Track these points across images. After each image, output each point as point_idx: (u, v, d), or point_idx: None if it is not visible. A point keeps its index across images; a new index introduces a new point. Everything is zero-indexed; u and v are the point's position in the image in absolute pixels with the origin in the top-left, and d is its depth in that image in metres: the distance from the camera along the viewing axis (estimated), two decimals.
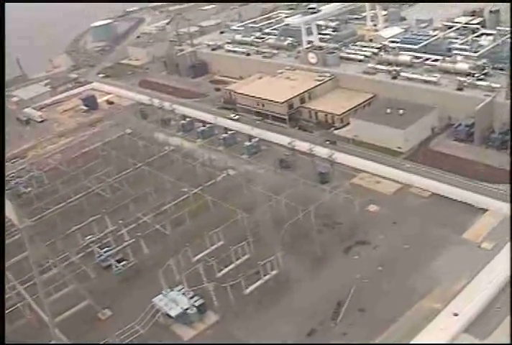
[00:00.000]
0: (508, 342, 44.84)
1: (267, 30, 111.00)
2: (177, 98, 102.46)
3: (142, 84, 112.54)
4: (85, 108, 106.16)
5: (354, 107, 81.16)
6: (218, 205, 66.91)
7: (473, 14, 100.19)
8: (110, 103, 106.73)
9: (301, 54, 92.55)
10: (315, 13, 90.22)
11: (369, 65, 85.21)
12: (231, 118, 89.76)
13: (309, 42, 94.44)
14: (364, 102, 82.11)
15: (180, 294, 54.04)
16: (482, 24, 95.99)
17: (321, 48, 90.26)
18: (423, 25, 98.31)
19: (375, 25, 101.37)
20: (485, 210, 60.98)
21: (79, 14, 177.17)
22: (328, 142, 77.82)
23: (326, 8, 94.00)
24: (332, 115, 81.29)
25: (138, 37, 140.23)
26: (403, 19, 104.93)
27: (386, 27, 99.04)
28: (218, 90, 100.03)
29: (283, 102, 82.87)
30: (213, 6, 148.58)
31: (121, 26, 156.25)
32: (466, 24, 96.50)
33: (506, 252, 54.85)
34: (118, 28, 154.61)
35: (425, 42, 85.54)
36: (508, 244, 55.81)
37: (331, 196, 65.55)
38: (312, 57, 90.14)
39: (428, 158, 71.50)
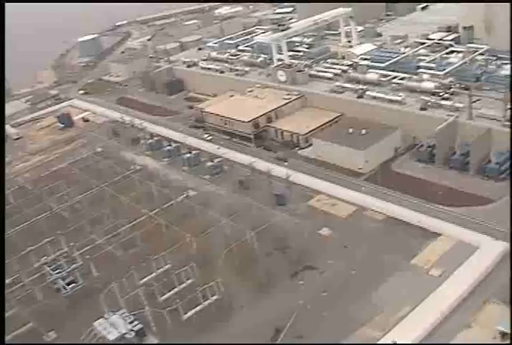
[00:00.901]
0: None
1: (241, 47, 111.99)
2: (151, 116, 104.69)
3: (120, 101, 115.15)
4: (61, 125, 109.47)
5: (319, 126, 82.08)
6: (171, 228, 68.21)
7: (449, 30, 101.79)
8: (86, 120, 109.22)
9: (271, 72, 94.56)
10: (284, 30, 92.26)
11: (337, 83, 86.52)
12: (203, 139, 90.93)
13: (280, 60, 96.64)
14: (329, 121, 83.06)
15: (121, 318, 55.66)
16: (457, 41, 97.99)
17: (290, 66, 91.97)
18: (397, 41, 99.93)
19: (349, 41, 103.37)
20: (438, 235, 61.52)
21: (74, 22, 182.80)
22: (280, 160, 79.57)
23: (296, 25, 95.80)
24: (297, 134, 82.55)
25: (122, 52, 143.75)
26: (379, 35, 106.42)
27: (360, 44, 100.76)
28: (191, 107, 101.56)
29: (248, 121, 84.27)
30: (196, 21, 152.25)
31: (109, 41, 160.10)
32: (440, 40, 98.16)
33: (454, 279, 55.17)
34: (105, 43, 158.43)
35: (392, 60, 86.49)
36: (457, 270, 55.92)
37: (285, 219, 66.54)
38: (281, 75, 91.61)
39: (388, 179, 72.04)
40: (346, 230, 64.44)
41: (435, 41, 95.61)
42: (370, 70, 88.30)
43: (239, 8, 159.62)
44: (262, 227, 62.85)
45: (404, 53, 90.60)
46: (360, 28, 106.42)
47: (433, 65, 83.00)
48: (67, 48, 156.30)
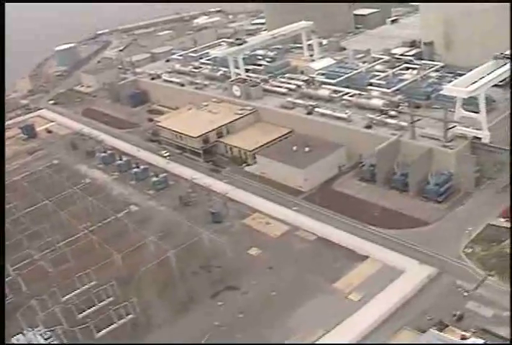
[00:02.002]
0: None
1: (204, 60, 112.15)
2: (112, 128, 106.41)
3: (85, 112, 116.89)
4: (24, 136, 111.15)
5: (267, 143, 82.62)
6: (103, 245, 68.72)
7: (412, 44, 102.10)
8: (49, 131, 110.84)
9: (227, 87, 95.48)
10: (241, 44, 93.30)
11: (288, 99, 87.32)
12: (157, 153, 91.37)
13: (237, 74, 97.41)
14: (278, 138, 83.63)
15: (38, 335, 56.67)
16: (418, 56, 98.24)
17: (245, 80, 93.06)
18: (358, 56, 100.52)
19: (311, 55, 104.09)
20: (365, 258, 61.85)
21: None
22: (213, 171, 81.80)
23: (253, 39, 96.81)
24: (245, 151, 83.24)
25: (98, 61, 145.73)
26: (343, 49, 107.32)
27: (322, 58, 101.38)
28: (150, 120, 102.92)
29: (197, 136, 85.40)
30: (169, 31, 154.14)
31: (89, 50, 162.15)
32: (401, 55, 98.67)
33: (372, 305, 55.40)
34: (84, 51, 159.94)
35: (344, 76, 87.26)
36: (377, 295, 55.75)
37: (217, 237, 66.64)
38: (236, 90, 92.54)
39: (326, 199, 72.72)
40: (275, 250, 64.94)
41: (395, 56, 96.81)
42: (325, 86, 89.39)
43: (216, 18, 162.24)
44: (186, 245, 62.97)
45: (359, 69, 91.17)
46: (325, 41, 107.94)
47: (382, 82, 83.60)
48: (46, 57, 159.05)
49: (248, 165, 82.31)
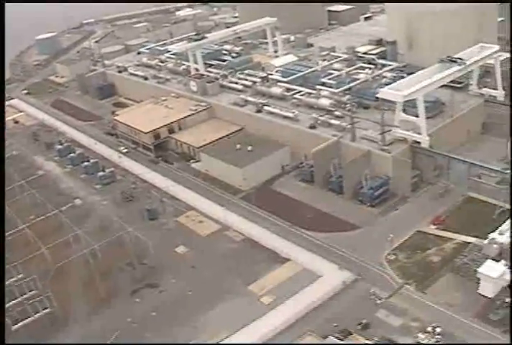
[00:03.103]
0: None
1: (169, 53, 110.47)
2: (76, 120, 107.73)
3: (54, 103, 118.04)
4: None
5: (216, 140, 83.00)
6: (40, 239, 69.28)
7: (378, 43, 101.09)
8: (16, 122, 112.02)
9: (186, 82, 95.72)
10: (199, 40, 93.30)
11: (241, 96, 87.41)
12: (120, 151, 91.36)
13: (196, 69, 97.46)
14: (227, 135, 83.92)
15: None
16: (382, 55, 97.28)
17: (202, 76, 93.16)
18: (323, 53, 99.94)
19: (275, 52, 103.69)
20: (286, 260, 62.19)
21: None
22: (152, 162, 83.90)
23: (213, 35, 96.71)
24: (193, 147, 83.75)
25: (78, 52, 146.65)
26: (310, 45, 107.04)
27: (286, 54, 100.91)
28: (114, 113, 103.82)
29: (148, 132, 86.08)
30: (145, 24, 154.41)
31: (71, 39, 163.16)
32: (364, 53, 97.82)
33: (281, 309, 55.48)
34: (67, 41, 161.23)
35: (299, 74, 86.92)
36: (290, 299, 55.77)
37: (148, 234, 66.91)
38: (193, 86, 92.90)
39: (263, 199, 72.97)
40: (201, 249, 65.67)
41: (357, 54, 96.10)
42: (279, 84, 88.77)
43: (198, 10, 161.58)
44: (113, 241, 63.70)
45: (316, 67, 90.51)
46: (292, 38, 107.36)
47: (332, 82, 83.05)
48: (29, 45, 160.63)
49: (195, 162, 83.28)
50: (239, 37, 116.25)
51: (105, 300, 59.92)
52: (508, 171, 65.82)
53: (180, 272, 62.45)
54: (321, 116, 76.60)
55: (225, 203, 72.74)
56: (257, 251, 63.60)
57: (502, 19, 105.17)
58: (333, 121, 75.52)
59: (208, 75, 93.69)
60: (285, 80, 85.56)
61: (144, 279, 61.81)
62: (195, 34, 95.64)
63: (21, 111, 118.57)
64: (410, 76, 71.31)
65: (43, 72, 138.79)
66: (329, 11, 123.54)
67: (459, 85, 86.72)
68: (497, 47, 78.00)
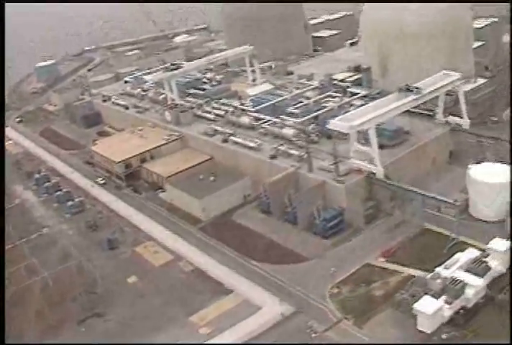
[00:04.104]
0: None
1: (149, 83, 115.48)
2: (60, 149, 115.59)
3: (43, 132, 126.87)
4: None
5: (184, 170, 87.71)
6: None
7: (356, 69, 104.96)
8: None
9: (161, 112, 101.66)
10: (174, 69, 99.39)
11: (211, 125, 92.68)
12: (97, 182, 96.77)
13: (172, 99, 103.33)
14: (196, 165, 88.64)
15: None
16: (358, 82, 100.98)
17: (176, 106, 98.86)
18: (301, 81, 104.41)
19: (253, 80, 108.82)
20: (230, 292, 66.02)
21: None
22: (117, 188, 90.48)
23: (189, 64, 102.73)
24: (162, 177, 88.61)
25: (74, 79, 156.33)
26: (290, 73, 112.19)
27: (264, 83, 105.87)
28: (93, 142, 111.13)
29: (118, 162, 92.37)
30: (137, 51, 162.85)
31: (71, 66, 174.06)
32: (341, 81, 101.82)
33: (218, 340, 58.74)
34: (67, 68, 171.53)
35: (267, 103, 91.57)
36: (227, 330, 59.35)
37: (104, 264, 73.14)
38: (167, 115, 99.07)
39: (220, 230, 77.42)
40: (152, 279, 70.04)
41: (334, 82, 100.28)
42: (251, 113, 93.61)
43: (194, 37, 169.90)
44: (65, 270, 69.55)
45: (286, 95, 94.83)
46: (273, 65, 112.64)
47: (296, 111, 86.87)
48: (29, 73, 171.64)
49: (162, 192, 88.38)
50: (226, 64, 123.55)
51: (53, 329, 65.10)
52: (458, 203, 68.85)
53: (127, 301, 66.86)
54: (280, 145, 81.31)
55: (184, 234, 78.10)
56: (204, 282, 67.72)
57: (482, 43, 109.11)
58: (293, 151, 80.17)
59: (181, 105, 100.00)
60: (252, 109, 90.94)
61: (93, 309, 66.56)
62: (172, 64, 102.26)
63: (9, 139, 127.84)
64: (364, 106, 75.48)
65: (38, 100, 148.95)
66: (315, 36, 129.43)
67: (430, 113, 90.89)
68: (458, 75, 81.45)
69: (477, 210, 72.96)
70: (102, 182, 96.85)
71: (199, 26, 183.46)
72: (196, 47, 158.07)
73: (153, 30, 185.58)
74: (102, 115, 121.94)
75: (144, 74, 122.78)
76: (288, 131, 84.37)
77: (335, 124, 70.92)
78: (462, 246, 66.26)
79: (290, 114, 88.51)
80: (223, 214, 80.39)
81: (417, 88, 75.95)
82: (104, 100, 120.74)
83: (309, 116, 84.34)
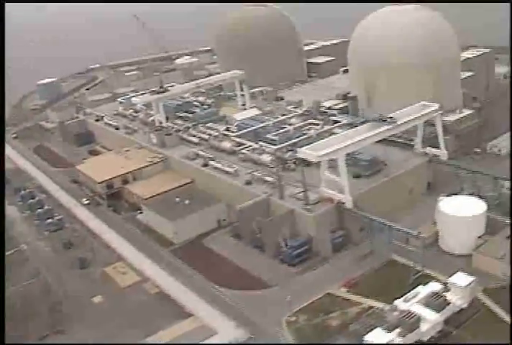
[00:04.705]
0: None
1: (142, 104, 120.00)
2: (50, 166, 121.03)
3: (36, 149, 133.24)
4: None
5: (164, 192, 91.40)
6: None
7: (344, 97, 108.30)
8: None
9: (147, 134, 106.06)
10: (162, 92, 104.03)
11: (193, 149, 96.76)
12: (81, 202, 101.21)
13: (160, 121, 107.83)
14: (177, 187, 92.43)
15: None
16: (345, 110, 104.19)
17: (162, 128, 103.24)
18: (290, 107, 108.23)
19: (243, 105, 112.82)
20: (190, 315, 68.55)
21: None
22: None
23: (177, 87, 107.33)
24: (141, 198, 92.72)
25: (75, 97, 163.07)
26: (280, 99, 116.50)
27: (252, 108, 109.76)
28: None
29: (100, 182, 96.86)
30: (136, 72, 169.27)
31: (74, 84, 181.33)
32: (328, 108, 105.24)
33: None
34: (70, 86, 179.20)
35: (249, 129, 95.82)
36: None
37: (73, 283, 76.24)
38: (153, 138, 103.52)
39: (190, 253, 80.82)
40: (116, 300, 73.26)
41: (320, 109, 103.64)
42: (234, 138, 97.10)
43: (195, 59, 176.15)
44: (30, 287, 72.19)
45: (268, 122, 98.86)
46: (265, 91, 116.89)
47: (275, 138, 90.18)
48: (32, 90, 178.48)
49: (140, 213, 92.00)
50: (220, 88, 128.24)
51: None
52: (423, 235, 70.69)
53: (89, 320, 70.10)
54: (254, 171, 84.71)
55: (154, 256, 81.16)
56: (166, 305, 70.66)
57: (471, 73, 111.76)
58: (267, 178, 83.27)
59: (167, 128, 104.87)
60: (233, 134, 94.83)
61: (55, 326, 69.98)
62: (160, 87, 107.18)
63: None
64: (336, 135, 78.65)
65: (37, 117, 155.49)
66: (309, 62, 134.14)
67: (413, 143, 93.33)
68: (436, 106, 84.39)
69: (445, 243, 75.78)
70: (86, 202, 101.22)
71: (204, 48, 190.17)
72: (197, 69, 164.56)
73: (163, 48, 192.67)
74: (95, 134, 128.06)
75: (140, 95, 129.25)
76: (266, 158, 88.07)
77: (303, 153, 74.34)
78: (426, 279, 68.93)
79: (270, 140, 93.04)
80: (195, 238, 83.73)
81: (391, 118, 79.34)
82: (97, 120, 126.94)
83: (286, 143, 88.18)
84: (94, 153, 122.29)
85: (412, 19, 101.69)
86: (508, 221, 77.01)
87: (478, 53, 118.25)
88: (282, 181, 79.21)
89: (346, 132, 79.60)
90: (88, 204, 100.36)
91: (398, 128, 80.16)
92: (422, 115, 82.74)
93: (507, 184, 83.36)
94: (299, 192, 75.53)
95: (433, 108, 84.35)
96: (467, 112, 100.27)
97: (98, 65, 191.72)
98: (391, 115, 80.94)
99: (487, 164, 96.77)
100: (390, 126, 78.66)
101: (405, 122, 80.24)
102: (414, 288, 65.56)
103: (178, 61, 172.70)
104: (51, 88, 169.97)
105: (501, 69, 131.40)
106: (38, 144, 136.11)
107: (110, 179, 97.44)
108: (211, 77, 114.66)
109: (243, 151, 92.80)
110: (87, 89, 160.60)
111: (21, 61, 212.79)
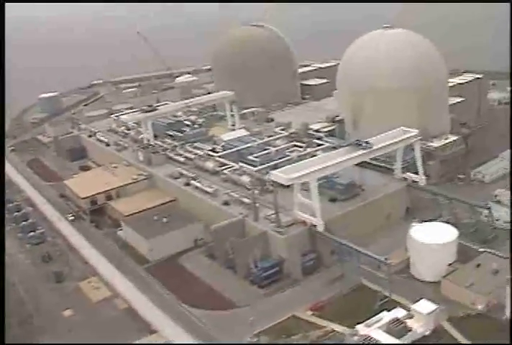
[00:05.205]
0: None
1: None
2: (41, 180, 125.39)
3: (30, 162, 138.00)
4: None
5: (146, 209, 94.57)
6: None
7: (333, 120, 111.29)
8: None
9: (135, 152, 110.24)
10: (151, 111, 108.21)
11: (177, 168, 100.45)
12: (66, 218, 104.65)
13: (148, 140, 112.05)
14: (159, 205, 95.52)
15: None
16: (332, 133, 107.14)
17: (149, 147, 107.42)
18: (277, 129, 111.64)
19: (233, 125, 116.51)
20: (154, 332, 70.93)
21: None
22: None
23: (165, 107, 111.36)
24: (122, 215, 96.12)
25: (73, 113, 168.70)
26: (271, 120, 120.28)
27: (241, 128, 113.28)
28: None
29: (84, 198, 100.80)
30: (134, 89, 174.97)
31: (75, 99, 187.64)
32: (316, 131, 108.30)
33: None
34: (70, 101, 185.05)
35: (232, 150, 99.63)
36: None
37: (48, 296, 79.61)
38: (140, 155, 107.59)
39: (164, 271, 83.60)
40: (86, 314, 76.31)
41: (308, 132, 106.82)
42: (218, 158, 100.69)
43: (194, 78, 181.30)
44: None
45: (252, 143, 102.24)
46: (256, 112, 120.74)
47: (256, 159, 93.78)
48: (34, 103, 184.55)
49: (121, 229, 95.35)
50: (214, 108, 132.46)
51: None
52: (389, 261, 72.56)
53: (57, 334, 73.02)
54: (232, 192, 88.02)
55: (128, 272, 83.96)
56: (133, 321, 73.55)
57: (461, 99, 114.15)
58: (244, 199, 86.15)
59: (153, 146, 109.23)
60: (216, 155, 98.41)
61: (25, 338, 73.12)
62: (149, 106, 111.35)
63: None
64: (309, 159, 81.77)
65: (35, 130, 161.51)
66: (304, 84, 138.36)
67: (393, 167, 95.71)
68: (416, 132, 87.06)
69: (416, 270, 77.74)
70: (71, 218, 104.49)
71: (206, 67, 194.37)
72: (196, 87, 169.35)
73: (158, 68, 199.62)
74: (87, 150, 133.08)
75: (136, 112, 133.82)
76: (245, 179, 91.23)
77: (275, 176, 77.36)
78: (392, 305, 71.02)
79: (250, 162, 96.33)
80: (171, 256, 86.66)
81: (367, 143, 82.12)
82: (90, 136, 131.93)
83: (266, 165, 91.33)
84: (85, 168, 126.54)
85: (400, 43, 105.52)
86: (482, 249, 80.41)
87: (470, 79, 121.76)
88: (257, 202, 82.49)
89: (322, 156, 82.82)
90: (73, 220, 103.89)
91: (374, 153, 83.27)
92: (399, 140, 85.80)
93: (485, 212, 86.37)
94: (271, 214, 78.60)
95: (412, 134, 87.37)
96: (452, 138, 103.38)
97: (100, 81, 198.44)
98: (368, 140, 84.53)
99: (470, 190, 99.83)
100: (366, 151, 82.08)
101: (381, 147, 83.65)
102: (378, 313, 68.41)
103: (178, 79, 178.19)
104: (52, 102, 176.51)
105: (497, 95, 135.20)
106: (33, 158, 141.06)
107: (93, 195, 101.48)
108: (202, 97, 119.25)
109: (225, 171, 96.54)
110: (85, 105, 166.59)
111: (25, 72, 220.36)
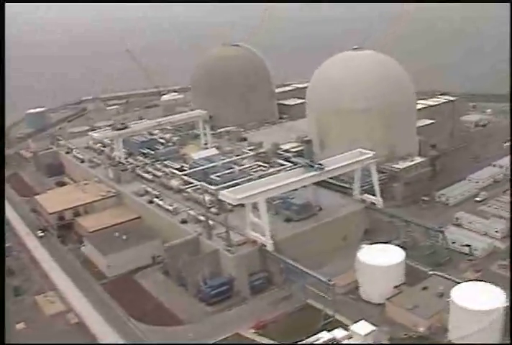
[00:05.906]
0: None
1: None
2: (16, 195, 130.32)
3: (9, 177, 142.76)
4: None
5: (110, 226, 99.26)
6: None
7: (302, 140, 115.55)
8: None
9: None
10: (121, 129, 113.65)
11: (143, 186, 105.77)
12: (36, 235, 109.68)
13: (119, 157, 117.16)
14: (124, 222, 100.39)
15: None
16: (300, 153, 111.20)
17: (118, 164, 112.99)
18: (247, 148, 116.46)
19: (205, 144, 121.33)
20: None
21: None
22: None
23: (136, 125, 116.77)
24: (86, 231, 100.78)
25: (60, 128, 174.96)
26: (244, 139, 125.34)
27: (213, 147, 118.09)
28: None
29: (51, 213, 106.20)
30: (117, 106, 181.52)
31: (63, 115, 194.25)
32: (285, 151, 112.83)
33: None
34: (58, 116, 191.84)
35: (196, 169, 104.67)
36: None
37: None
38: (110, 173, 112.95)
39: (118, 287, 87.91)
40: (38, 327, 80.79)
41: (277, 152, 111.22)
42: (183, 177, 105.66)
43: (180, 96, 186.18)
44: None
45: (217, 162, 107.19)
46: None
47: (218, 179, 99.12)
48: (22, 118, 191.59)
49: (84, 245, 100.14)
50: (193, 125, 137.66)
51: None
52: (332, 282, 75.88)
53: None
54: (190, 210, 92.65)
55: (85, 288, 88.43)
56: (81, 335, 78.01)
57: (432, 121, 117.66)
58: (201, 217, 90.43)
59: (123, 164, 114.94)
60: (179, 173, 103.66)
61: None
62: (121, 123, 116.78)
63: None
64: (261, 179, 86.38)
65: (20, 145, 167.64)
66: (281, 104, 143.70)
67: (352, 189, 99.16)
68: (371, 154, 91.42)
69: (363, 291, 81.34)
70: (41, 234, 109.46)
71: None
72: (180, 105, 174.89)
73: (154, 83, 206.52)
74: (65, 166, 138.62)
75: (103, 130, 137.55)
76: (206, 198, 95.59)
77: (224, 195, 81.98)
78: (336, 325, 74.41)
79: (212, 180, 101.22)
80: (128, 272, 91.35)
81: (319, 165, 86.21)
82: (67, 152, 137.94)
83: (225, 184, 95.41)
84: (61, 184, 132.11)
85: (368, 65, 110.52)
86: (431, 272, 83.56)
87: (443, 101, 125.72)
88: (211, 221, 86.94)
89: (275, 176, 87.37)
90: (42, 236, 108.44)
91: (326, 174, 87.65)
92: (354, 162, 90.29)
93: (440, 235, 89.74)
94: (221, 233, 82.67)
95: (368, 156, 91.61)
96: (418, 160, 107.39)
97: (90, 97, 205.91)
98: (322, 161, 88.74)
99: (432, 213, 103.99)
100: (318, 172, 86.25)
101: (334, 169, 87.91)
102: (319, 333, 71.55)
103: (164, 97, 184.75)
104: (39, 117, 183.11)
105: (474, 117, 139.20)
106: (12, 173, 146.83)
107: (61, 210, 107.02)
108: (174, 116, 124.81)
109: (188, 190, 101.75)
110: (69, 121, 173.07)
111: (17, 89, 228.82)
